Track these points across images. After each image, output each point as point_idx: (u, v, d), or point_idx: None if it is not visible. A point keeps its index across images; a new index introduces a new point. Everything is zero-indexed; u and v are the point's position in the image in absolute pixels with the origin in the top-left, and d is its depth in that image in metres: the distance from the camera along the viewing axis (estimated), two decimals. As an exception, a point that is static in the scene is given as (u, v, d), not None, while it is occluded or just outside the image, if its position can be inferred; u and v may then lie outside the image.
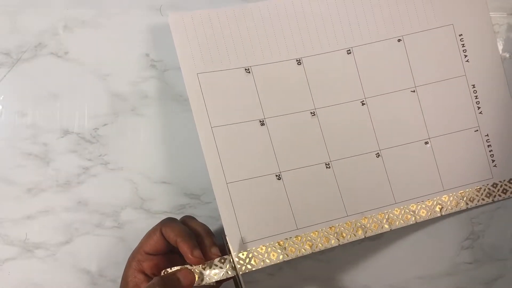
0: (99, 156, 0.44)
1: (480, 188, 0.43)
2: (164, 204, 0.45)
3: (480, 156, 0.44)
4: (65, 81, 0.45)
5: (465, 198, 0.43)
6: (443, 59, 0.44)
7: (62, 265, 0.44)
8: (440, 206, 0.43)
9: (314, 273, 0.45)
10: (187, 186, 0.45)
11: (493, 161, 0.44)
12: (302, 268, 0.45)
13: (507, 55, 0.46)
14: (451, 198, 0.43)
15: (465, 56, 0.44)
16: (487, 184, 0.44)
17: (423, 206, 0.43)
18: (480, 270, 0.45)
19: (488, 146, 0.44)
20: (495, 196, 0.44)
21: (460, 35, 0.44)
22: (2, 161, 0.44)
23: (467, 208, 0.43)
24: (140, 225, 0.44)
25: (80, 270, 0.44)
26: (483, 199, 0.43)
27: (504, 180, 0.44)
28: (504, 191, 0.44)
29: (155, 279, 0.35)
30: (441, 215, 0.43)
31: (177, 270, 0.37)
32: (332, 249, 0.45)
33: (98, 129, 0.44)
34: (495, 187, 0.44)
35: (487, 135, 0.44)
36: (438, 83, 0.43)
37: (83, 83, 0.45)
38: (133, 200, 0.44)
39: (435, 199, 0.43)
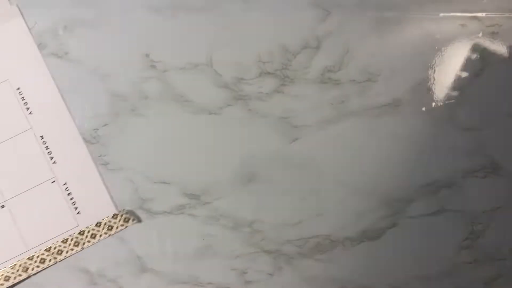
0: (99, 156, 0.44)
1: (67, 239, 0.43)
2: (164, 204, 0.45)
3: (62, 206, 0.43)
4: (65, 81, 0.45)
5: (52, 253, 0.42)
6: (6, 116, 0.43)
7: (62, 265, 0.44)
8: (25, 268, 0.42)
9: (314, 273, 0.45)
10: (187, 186, 0.45)
11: (76, 208, 0.43)
12: (302, 268, 0.45)
13: (507, 55, 0.46)
14: (37, 256, 0.42)
15: (27, 108, 0.43)
16: (74, 233, 0.43)
17: (8, 270, 0.42)
18: (480, 270, 0.45)
19: (69, 194, 0.43)
20: (84, 243, 0.43)
21: (18, 89, 0.43)
22: (2, 161, 0.44)
23: (56, 263, 0.42)
24: (140, 225, 0.44)
25: (80, 270, 0.44)
26: (72, 249, 0.43)
27: (91, 225, 0.43)
28: (93, 235, 0.43)
29: None
30: (29, 276, 0.42)
31: None
32: (332, 249, 0.45)
33: (98, 129, 0.44)
34: (83, 234, 0.43)
35: (66, 183, 0.43)
36: (5, 142, 0.42)
37: (83, 83, 0.45)
38: (133, 200, 0.44)
39: (18, 262, 0.42)
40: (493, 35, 0.46)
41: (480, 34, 0.46)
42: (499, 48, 0.46)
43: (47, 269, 0.43)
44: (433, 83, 0.46)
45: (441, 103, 0.46)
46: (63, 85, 0.45)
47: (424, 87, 0.46)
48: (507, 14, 0.46)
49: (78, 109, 0.44)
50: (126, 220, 0.43)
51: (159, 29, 0.45)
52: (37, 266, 0.42)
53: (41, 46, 0.45)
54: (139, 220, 0.43)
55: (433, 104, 0.45)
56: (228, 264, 0.44)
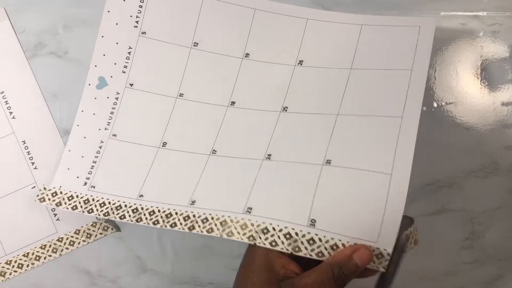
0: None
1: (45, 245, 0.43)
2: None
3: (41, 212, 0.43)
4: (65, 81, 0.45)
5: (30, 258, 0.42)
6: None
7: (62, 265, 0.44)
8: (2, 272, 0.42)
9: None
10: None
11: (55, 215, 0.43)
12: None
13: (507, 55, 0.46)
14: (14, 262, 0.42)
15: (11, 113, 0.43)
16: (52, 240, 0.43)
17: None
18: (480, 270, 0.45)
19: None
20: (62, 250, 0.43)
21: (2, 92, 0.43)
22: (2, 161, 0.44)
23: (33, 268, 0.43)
24: (140, 225, 0.44)
25: (80, 270, 0.44)
26: (50, 255, 0.43)
27: (69, 232, 0.43)
28: (72, 243, 0.43)
29: (326, 264, 0.32)
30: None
31: (352, 249, 0.32)
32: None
33: (98, 129, 0.44)
34: (61, 241, 0.43)
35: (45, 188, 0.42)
36: None
37: (83, 83, 0.44)
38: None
39: None
40: (494, 34, 0.46)
41: (481, 33, 0.46)
42: (500, 47, 0.46)
43: (46, 270, 0.43)
44: (434, 83, 0.45)
45: (442, 103, 0.45)
46: (63, 85, 0.44)
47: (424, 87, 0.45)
48: (508, 13, 0.46)
49: (77, 109, 0.44)
50: (105, 229, 0.43)
51: (159, 29, 0.45)
52: (15, 271, 0.43)
53: (40, 45, 0.45)
54: (119, 229, 0.44)
55: (434, 104, 0.45)
56: (228, 264, 0.44)
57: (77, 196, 0.40)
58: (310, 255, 0.34)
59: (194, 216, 0.37)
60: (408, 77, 0.38)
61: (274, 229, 0.35)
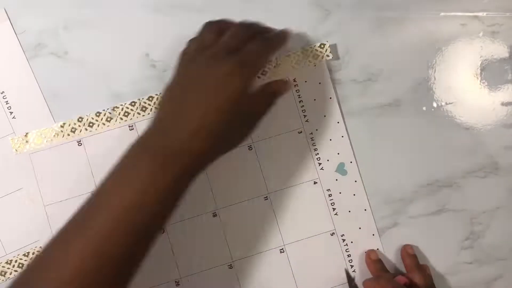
0: (99, 156, 0.44)
1: None
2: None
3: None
4: (65, 81, 0.45)
5: (30, 258, 0.43)
6: None
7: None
8: (3, 272, 0.42)
9: (314, 273, 0.45)
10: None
11: None
12: (302, 268, 0.45)
13: (507, 55, 0.46)
14: (15, 262, 0.43)
15: (11, 113, 0.44)
16: None
17: None
18: (480, 270, 0.45)
19: None
20: None
21: (2, 92, 0.44)
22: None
23: None
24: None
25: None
26: None
27: None
28: None
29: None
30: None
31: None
32: (332, 249, 0.45)
33: (98, 129, 0.44)
34: None
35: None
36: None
37: (83, 83, 0.45)
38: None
39: None
40: (494, 34, 0.46)
41: (481, 34, 0.46)
42: (500, 47, 0.46)
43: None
44: (434, 83, 0.46)
45: (442, 103, 0.45)
46: (63, 85, 0.45)
47: (424, 87, 0.45)
48: (508, 14, 0.46)
49: (77, 109, 0.44)
50: None
51: (159, 29, 0.45)
52: (15, 271, 0.43)
53: (40, 45, 0.45)
54: None
55: (434, 104, 0.45)
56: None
57: None
58: None
59: None
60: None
61: None
